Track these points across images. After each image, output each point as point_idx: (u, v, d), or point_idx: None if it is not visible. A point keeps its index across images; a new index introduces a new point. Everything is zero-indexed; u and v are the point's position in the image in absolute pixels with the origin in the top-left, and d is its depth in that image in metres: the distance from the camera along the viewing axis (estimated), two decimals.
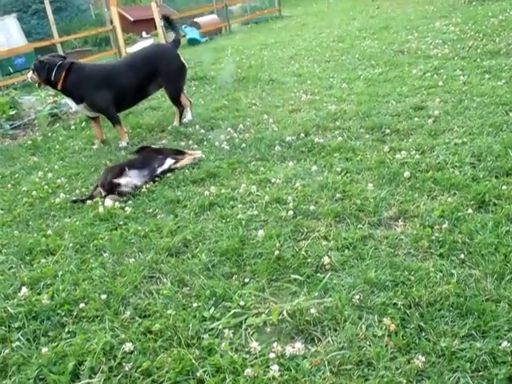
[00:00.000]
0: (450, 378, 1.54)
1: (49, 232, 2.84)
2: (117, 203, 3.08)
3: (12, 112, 5.80)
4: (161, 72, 4.45)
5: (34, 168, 4.16)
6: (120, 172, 3.30)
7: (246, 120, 4.50)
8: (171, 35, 4.99)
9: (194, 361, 1.71)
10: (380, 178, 2.90)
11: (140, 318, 1.99)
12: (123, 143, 4.36)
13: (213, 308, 1.98)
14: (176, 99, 4.66)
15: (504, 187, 2.53)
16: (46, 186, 3.60)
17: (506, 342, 1.60)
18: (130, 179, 3.28)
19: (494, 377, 1.52)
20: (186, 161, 3.55)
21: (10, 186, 3.81)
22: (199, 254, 2.38)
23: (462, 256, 2.08)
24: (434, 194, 2.64)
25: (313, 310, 1.85)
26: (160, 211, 2.92)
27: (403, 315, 1.80)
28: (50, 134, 5.20)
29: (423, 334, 1.71)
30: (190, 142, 4.13)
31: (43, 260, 2.55)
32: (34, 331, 1.99)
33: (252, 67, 7.06)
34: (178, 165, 3.53)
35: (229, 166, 3.44)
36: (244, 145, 3.81)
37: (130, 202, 3.13)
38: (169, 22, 5.05)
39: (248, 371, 1.63)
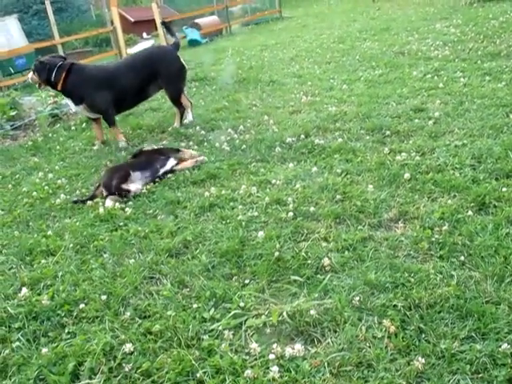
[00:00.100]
0: (449, 380, 1.54)
1: (49, 233, 2.84)
2: (117, 204, 3.09)
3: (13, 113, 5.81)
4: (161, 73, 4.45)
5: (35, 169, 4.16)
6: (126, 176, 3.29)
7: (247, 121, 4.51)
8: (171, 39, 4.97)
9: (193, 362, 1.71)
10: (380, 179, 2.90)
11: (140, 319, 1.99)
12: (122, 143, 4.37)
13: (213, 309, 1.98)
14: (176, 100, 4.66)
15: (504, 189, 2.54)
16: (46, 187, 3.60)
17: (505, 344, 1.60)
18: (139, 186, 3.28)
19: (494, 379, 1.52)
20: (187, 164, 3.55)
21: (10, 186, 3.81)
22: (199, 255, 2.38)
23: (462, 258, 2.08)
24: (434, 196, 2.64)
25: (313, 312, 1.85)
26: (160, 212, 2.92)
27: (403, 317, 1.80)
28: (50, 135, 5.20)
29: (423, 335, 1.71)
30: (191, 143, 4.14)
31: (43, 260, 2.55)
32: (34, 332, 1.99)
33: (252, 68, 7.07)
34: (179, 167, 3.54)
35: (229, 167, 3.44)
36: (244, 146, 3.82)
37: (130, 202, 3.13)
38: (168, 28, 5.08)
39: (248, 372, 1.63)
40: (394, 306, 1.85)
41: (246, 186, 3.04)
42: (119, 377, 1.72)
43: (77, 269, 2.42)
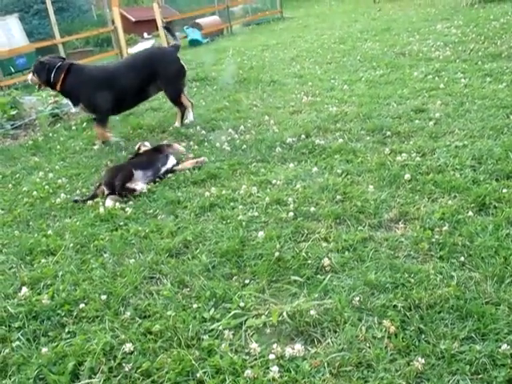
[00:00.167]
0: (449, 381, 1.54)
1: (49, 232, 2.84)
2: (117, 204, 3.09)
3: (13, 112, 5.81)
4: (160, 74, 4.45)
5: (35, 168, 4.16)
6: (130, 175, 3.30)
7: (247, 121, 4.51)
8: (172, 40, 4.98)
9: (193, 362, 1.71)
10: (380, 180, 2.90)
11: (140, 319, 1.99)
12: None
13: (213, 309, 1.98)
14: (175, 101, 4.67)
15: (504, 190, 2.54)
16: (46, 186, 3.61)
17: (505, 345, 1.60)
18: (143, 185, 3.29)
19: (494, 379, 1.52)
20: (187, 164, 3.55)
21: (10, 185, 3.82)
22: (199, 255, 2.38)
23: (462, 259, 2.08)
24: (435, 197, 2.64)
25: (313, 312, 1.85)
26: (160, 212, 2.92)
27: (403, 317, 1.80)
28: (50, 135, 5.21)
29: (423, 336, 1.71)
30: (191, 142, 4.14)
31: (43, 260, 2.55)
32: (34, 331, 2.00)
33: (253, 68, 7.07)
34: (179, 167, 3.54)
35: (229, 167, 3.44)
36: (245, 146, 3.82)
37: (130, 202, 3.13)
38: (169, 30, 5.10)
39: (248, 372, 1.63)
40: (394, 306, 1.85)
41: (246, 186, 3.04)
42: (119, 376, 1.72)
43: (77, 268, 2.42)
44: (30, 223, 3.06)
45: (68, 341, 1.91)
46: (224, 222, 2.67)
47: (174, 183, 3.33)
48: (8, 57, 10.78)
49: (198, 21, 13.75)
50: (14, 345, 1.92)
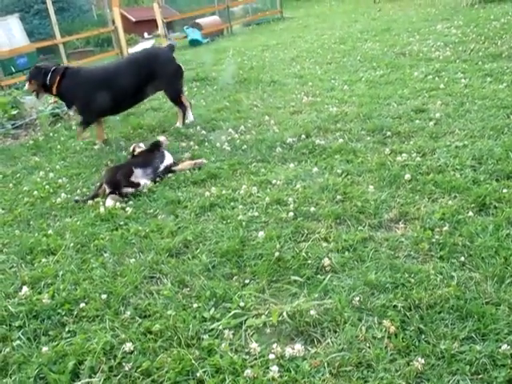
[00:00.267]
0: (449, 381, 1.54)
1: (50, 232, 2.85)
2: (118, 203, 3.09)
3: (14, 112, 5.81)
4: (158, 75, 4.43)
5: (36, 168, 4.17)
6: (130, 172, 3.30)
7: (247, 121, 4.51)
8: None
9: (193, 361, 1.71)
10: (381, 180, 2.90)
11: (140, 318, 1.99)
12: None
13: (213, 309, 1.98)
14: (176, 101, 4.68)
15: (505, 190, 2.54)
16: (47, 186, 3.61)
17: (505, 345, 1.60)
18: (147, 180, 3.30)
19: (494, 380, 1.52)
20: (186, 165, 3.55)
21: (11, 185, 3.82)
22: (200, 255, 2.38)
23: (463, 259, 2.08)
24: (435, 197, 2.64)
25: (313, 312, 1.85)
26: (161, 212, 2.93)
27: (403, 317, 1.80)
28: (51, 134, 5.21)
29: (423, 336, 1.71)
30: (191, 143, 4.14)
31: (44, 259, 2.56)
32: (35, 330, 2.00)
33: (253, 68, 7.07)
34: (178, 167, 3.54)
35: (230, 167, 3.44)
36: (245, 146, 3.82)
37: (130, 202, 3.13)
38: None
39: (248, 372, 1.63)
40: (394, 306, 1.85)
41: (246, 186, 3.04)
42: (119, 376, 1.72)
43: (77, 268, 2.42)
44: (31, 223, 3.06)
45: (68, 340, 1.91)
46: (224, 222, 2.67)
47: (174, 183, 3.33)
48: (9, 57, 10.78)
49: (198, 21, 13.75)
50: (14, 344, 1.92)
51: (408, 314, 1.81)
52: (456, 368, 1.57)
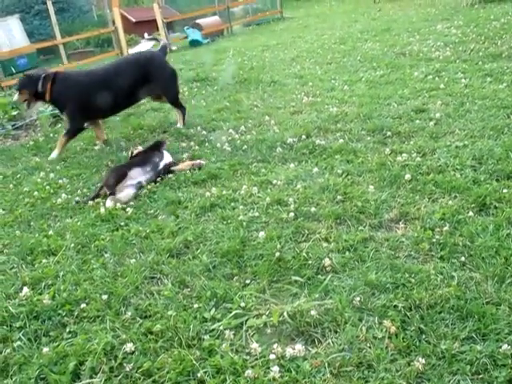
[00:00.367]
0: (450, 381, 1.54)
1: (50, 232, 2.85)
2: (118, 204, 3.09)
3: (14, 112, 5.82)
4: (153, 78, 4.41)
5: (36, 168, 4.17)
6: (123, 175, 3.31)
7: (248, 121, 4.51)
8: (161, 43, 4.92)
9: (194, 361, 1.71)
10: (381, 180, 2.90)
11: (141, 319, 1.99)
12: (53, 155, 4.30)
13: (213, 309, 1.98)
14: (175, 102, 4.68)
15: (505, 190, 2.54)
16: (47, 187, 3.61)
17: (506, 345, 1.60)
18: (132, 190, 3.26)
19: (495, 380, 1.52)
20: (184, 166, 3.55)
21: (11, 186, 3.82)
22: (200, 255, 2.38)
23: (463, 259, 2.08)
24: (435, 197, 2.64)
25: (313, 312, 1.85)
26: (161, 212, 2.93)
27: (403, 317, 1.80)
28: (51, 135, 5.21)
29: (423, 336, 1.71)
30: (192, 143, 4.14)
31: (44, 260, 2.56)
32: (35, 331, 2.00)
33: (254, 69, 7.08)
34: (177, 167, 3.55)
35: (230, 167, 3.45)
36: (245, 146, 3.82)
37: (131, 202, 3.14)
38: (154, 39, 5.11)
39: (248, 372, 1.63)
40: (395, 306, 1.85)
41: (247, 187, 3.04)
42: (120, 376, 1.72)
43: (78, 268, 2.42)
44: (31, 223, 3.07)
45: (69, 341, 1.91)
46: (225, 223, 2.67)
47: (174, 183, 3.33)
48: (9, 57, 10.80)
49: (198, 21, 13.76)
50: (15, 345, 1.92)
51: (408, 314, 1.81)
52: (457, 368, 1.57)
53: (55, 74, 4.26)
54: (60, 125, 5.60)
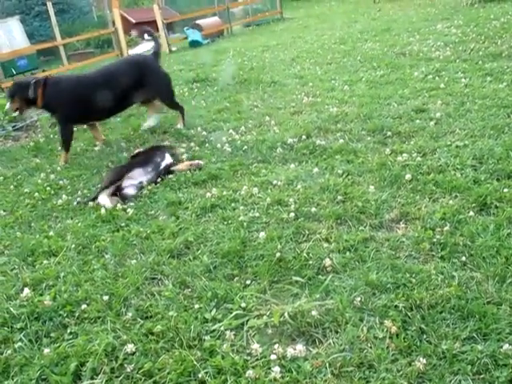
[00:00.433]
0: (451, 381, 1.54)
1: (51, 233, 2.85)
2: (118, 205, 3.09)
3: (14, 114, 5.81)
4: (147, 82, 4.37)
5: (37, 169, 4.17)
6: (121, 175, 3.31)
7: (248, 122, 4.51)
8: (154, 45, 4.86)
9: (195, 362, 1.71)
10: (381, 180, 2.90)
11: (142, 320, 1.99)
12: (61, 163, 4.25)
13: (214, 310, 1.98)
14: (171, 104, 4.68)
15: (505, 190, 2.54)
16: (48, 188, 3.62)
17: (507, 345, 1.60)
18: (146, 178, 3.30)
19: (496, 380, 1.52)
20: (183, 166, 3.56)
21: (12, 187, 3.83)
22: (201, 256, 2.38)
23: (464, 258, 2.08)
24: (436, 197, 2.64)
25: (314, 312, 1.85)
26: (162, 213, 2.93)
27: (404, 317, 1.80)
28: (52, 136, 5.22)
29: (424, 336, 1.71)
30: (192, 144, 4.14)
31: (45, 261, 2.56)
32: (36, 332, 2.00)
33: (254, 69, 7.08)
34: (177, 167, 3.55)
35: (230, 167, 3.45)
36: (246, 147, 3.82)
37: (131, 203, 3.14)
38: (151, 35, 5.03)
39: (249, 373, 1.63)
40: (396, 306, 1.85)
41: (247, 187, 3.05)
42: (121, 377, 1.72)
43: (79, 269, 2.42)
44: (32, 224, 3.07)
45: (70, 341, 1.91)
46: (225, 223, 2.67)
47: (175, 184, 3.33)
48: (9, 58, 10.81)
49: (198, 22, 13.77)
50: (16, 346, 1.92)
51: (409, 314, 1.81)
52: (458, 368, 1.57)
53: (46, 79, 4.21)
54: None
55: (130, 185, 3.29)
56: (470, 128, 3.48)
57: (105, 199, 3.12)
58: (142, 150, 3.94)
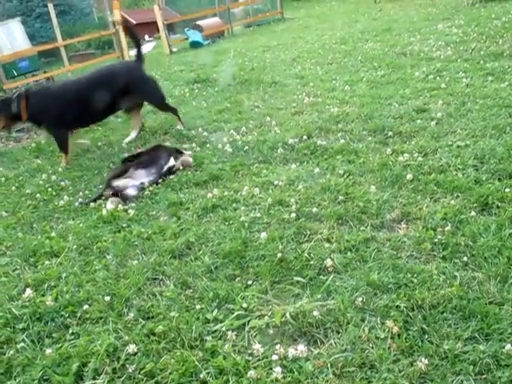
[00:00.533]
0: (453, 381, 1.54)
1: (53, 234, 2.86)
2: (120, 206, 3.10)
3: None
4: (132, 89, 4.32)
5: (38, 170, 4.18)
6: (121, 173, 3.32)
7: (249, 122, 4.52)
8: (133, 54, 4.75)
9: (197, 362, 1.71)
10: (382, 180, 2.90)
11: (143, 320, 2.00)
12: (62, 164, 4.24)
13: (216, 310, 1.98)
14: (163, 107, 4.68)
15: (507, 190, 2.53)
16: (49, 189, 3.62)
17: (509, 345, 1.60)
18: (131, 180, 3.29)
19: (498, 380, 1.52)
20: (177, 165, 3.57)
21: (14, 188, 3.83)
22: (202, 256, 2.39)
23: (465, 258, 2.08)
24: (437, 197, 2.64)
25: (315, 313, 1.85)
26: (163, 213, 2.93)
27: (406, 317, 1.80)
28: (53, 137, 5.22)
29: (426, 336, 1.71)
30: (193, 144, 4.15)
31: (47, 262, 2.56)
32: (39, 332, 2.00)
33: (254, 69, 7.08)
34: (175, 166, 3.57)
35: (231, 168, 3.45)
36: (247, 147, 3.82)
37: (133, 204, 3.14)
38: (133, 37, 4.87)
39: (251, 373, 1.63)
40: (397, 306, 1.85)
41: (248, 187, 3.05)
42: (123, 377, 1.72)
43: (80, 270, 2.43)
44: (34, 225, 3.07)
45: (72, 342, 1.91)
46: (226, 223, 2.67)
47: (176, 185, 3.34)
48: (10, 60, 10.83)
49: (198, 22, 13.77)
50: (18, 346, 1.93)
51: (411, 314, 1.81)
52: (460, 368, 1.57)
53: (27, 92, 4.18)
54: None
55: (131, 185, 3.29)
56: (471, 128, 3.48)
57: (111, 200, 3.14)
58: (143, 150, 3.94)
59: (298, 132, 3.95)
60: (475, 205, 2.48)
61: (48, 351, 1.86)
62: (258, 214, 2.70)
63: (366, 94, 4.83)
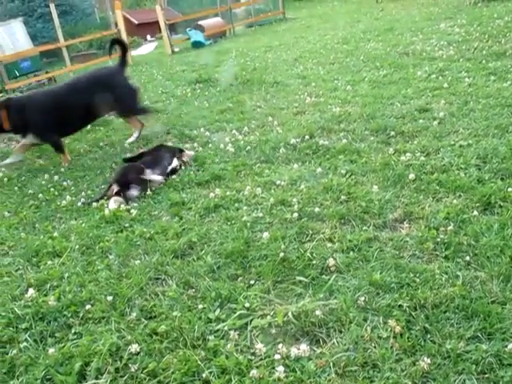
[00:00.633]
0: (455, 380, 1.54)
1: (55, 234, 2.86)
2: (122, 205, 3.10)
3: None
4: (112, 94, 4.26)
5: (40, 171, 4.19)
6: (141, 169, 3.34)
7: (251, 122, 4.52)
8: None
9: (199, 362, 1.72)
10: (385, 180, 2.90)
11: (146, 320, 2.00)
12: (64, 164, 4.23)
13: (218, 310, 1.98)
14: (137, 112, 4.59)
15: (510, 189, 2.53)
16: (52, 189, 3.63)
17: (511, 344, 1.60)
18: (159, 177, 3.34)
19: (500, 379, 1.51)
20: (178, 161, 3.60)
21: (16, 188, 3.84)
22: (204, 256, 2.39)
23: (468, 258, 2.08)
24: (439, 196, 2.63)
25: (318, 312, 1.85)
26: (165, 213, 2.94)
27: (408, 317, 1.79)
28: None
29: (428, 335, 1.71)
30: (195, 144, 4.15)
31: (50, 262, 2.57)
32: (41, 332, 2.01)
33: (256, 69, 7.08)
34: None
35: (234, 168, 3.45)
36: (249, 147, 3.82)
37: (135, 204, 3.15)
38: (118, 42, 4.88)
39: (253, 372, 1.64)
40: (400, 306, 1.85)
41: (250, 187, 3.05)
42: (125, 377, 1.73)
43: (83, 270, 2.43)
44: (36, 225, 3.08)
45: (75, 342, 1.92)
46: (229, 223, 2.67)
47: (178, 185, 3.34)
48: (12, 60, 10.86)
49: (200, 22, 13.79)
50: (21, 346, 1.93)
51: (413, 313, 1.81)
52: (462, 367, 1.57)
53: (7, 102, 4.14)
54: None
55: (133, 186, 3.29)
56: (473, 127, 3.47)
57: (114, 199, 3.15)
58: (145, 150, 3.94)
59: (300, 132, 3.95)
60: (478, 204, 2.47)
61: (51, 351, 1.86)
62: (260, 214, 2.70)
63: (368, 93, 4.83)
